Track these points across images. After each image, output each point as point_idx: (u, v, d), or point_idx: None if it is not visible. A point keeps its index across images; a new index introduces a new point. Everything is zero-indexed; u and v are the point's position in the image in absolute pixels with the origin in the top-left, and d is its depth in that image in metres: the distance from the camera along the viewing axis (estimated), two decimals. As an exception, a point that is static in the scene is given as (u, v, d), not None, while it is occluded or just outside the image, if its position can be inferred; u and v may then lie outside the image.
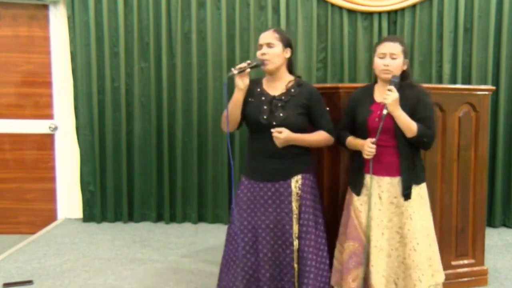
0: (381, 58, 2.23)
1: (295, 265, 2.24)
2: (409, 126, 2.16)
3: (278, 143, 2.20)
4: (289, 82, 2.30)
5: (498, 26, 4.03)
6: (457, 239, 2.82)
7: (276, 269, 2.25)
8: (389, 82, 2.20)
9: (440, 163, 2.74)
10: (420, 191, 2.27)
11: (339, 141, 2.40)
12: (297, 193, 2.26)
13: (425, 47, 4.05)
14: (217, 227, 4.09)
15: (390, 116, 2.17)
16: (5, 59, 4.17)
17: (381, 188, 2.25)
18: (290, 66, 2.34)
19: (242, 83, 2.19)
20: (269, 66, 2.24)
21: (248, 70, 2.19)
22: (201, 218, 4.23)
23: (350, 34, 4.08)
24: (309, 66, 4.06)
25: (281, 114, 2.21)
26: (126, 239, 3.74)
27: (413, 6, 4.02)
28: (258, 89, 2.30)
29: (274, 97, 2.26)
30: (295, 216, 2.24)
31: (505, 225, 4.16)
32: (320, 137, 2.29)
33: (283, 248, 2.24)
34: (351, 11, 4.05)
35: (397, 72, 2.22)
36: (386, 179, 2.24)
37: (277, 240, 2.24)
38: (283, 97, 2.25)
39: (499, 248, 3.56)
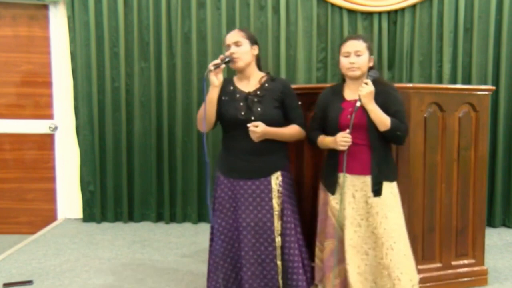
0: (346, 57, 2.23)
1: (278, 262, 2.26)
2: (382, 119, 2.16)
3: (255, 137, 2.19)
4: (262, 77, 2.31)
5: (498, 26, 4.02)
6: (457, 239, 2.82)
7: (258, 267, 2.25)
8: (366, 76, 2.20)
9: (440, 163, 2.73)
10: (392, 190, 2.26)
11: (311, 142, 2.38)
12: (278, 190, 2.27)
13: (425, 47, 4.05)
14: (217, 227, 4.09)
15: (363, 112, 2.16)
16: (5, 59, 4.17)
17: (355, 187, 2.24)
18: (259, 63, 2.36)
19: (217, 80, 2.21)
20: (239, 64, 2.25)
21: (223, 66, 2.20)
22: (201, 218, 4.23)
23: (350, 34, 4.08)
24: (309, 66, 4.06)
25: (258, 109, 2.22)
26: (126, 239, 3.74)
27: (413, 6, 4.02)
28: (231, 87, 2.31)
29: (249, 93, 2.27)
30: (276, 213, 2.25)
31: (505, 225, 4.15)
32: (293, 130, 2.31)
33: (265, 246, 2.25)
34: (351, 11, 4.05)
35: (364, 69, 2.23)
36: (361, 178, 2.23)
37: (259, 238, 2.24)
38: (258, 92, 2.27)
39: (499, 248, 3.55)
